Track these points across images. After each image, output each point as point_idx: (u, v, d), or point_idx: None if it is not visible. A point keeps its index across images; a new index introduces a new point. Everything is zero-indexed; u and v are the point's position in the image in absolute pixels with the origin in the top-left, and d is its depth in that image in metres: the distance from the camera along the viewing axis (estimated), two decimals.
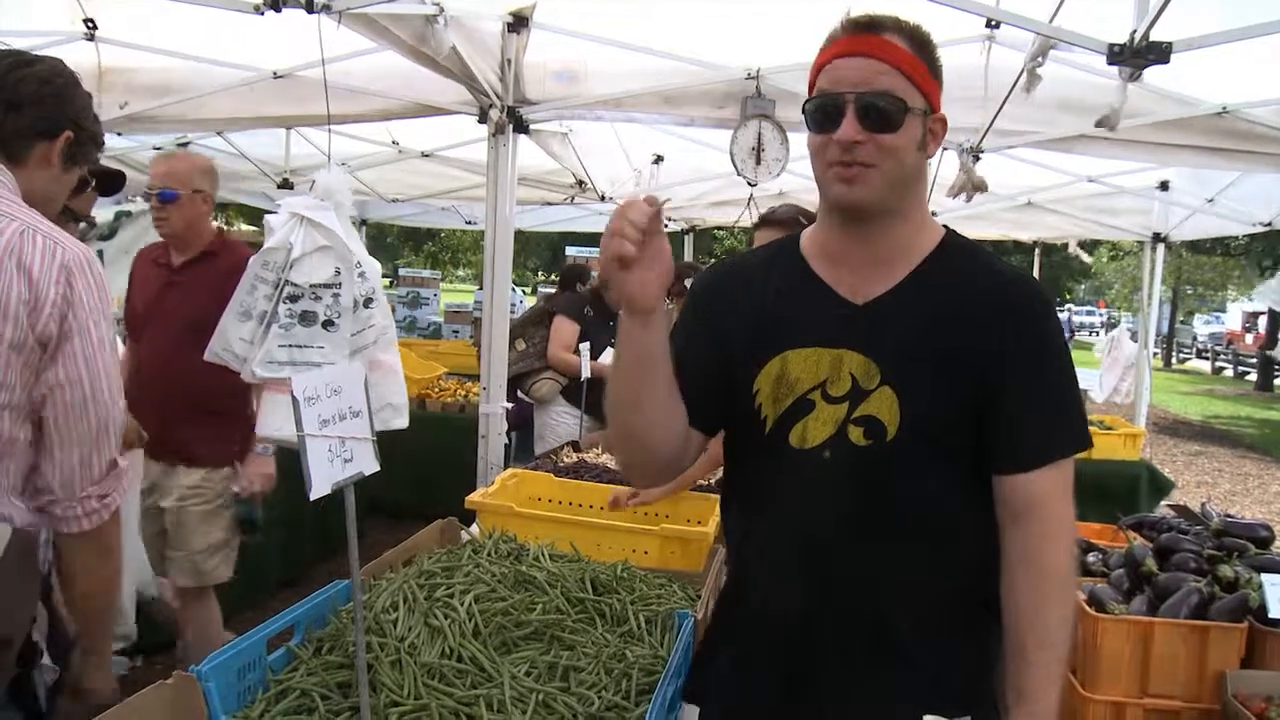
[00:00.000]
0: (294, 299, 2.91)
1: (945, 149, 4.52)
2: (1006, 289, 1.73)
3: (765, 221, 3.28)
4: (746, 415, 1.75)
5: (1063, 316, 34.12)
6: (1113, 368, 7.83)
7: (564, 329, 5.71)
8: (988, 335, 1.68)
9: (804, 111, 1.70)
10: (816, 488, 1.70)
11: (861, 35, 1.64)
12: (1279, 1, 2.97)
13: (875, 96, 1.61)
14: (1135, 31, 2.82)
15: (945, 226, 1.81)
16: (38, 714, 2.16)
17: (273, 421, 3.00)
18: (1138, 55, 2.84)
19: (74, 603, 2.20)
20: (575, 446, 4.88)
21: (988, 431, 1.68)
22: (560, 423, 5.71)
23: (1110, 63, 2.91)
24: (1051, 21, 3.15)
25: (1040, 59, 3.38)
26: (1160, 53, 2.83)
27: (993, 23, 3.53)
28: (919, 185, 1.77)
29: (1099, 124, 3.52)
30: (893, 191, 1.67)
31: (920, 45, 1.67)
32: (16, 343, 1.91)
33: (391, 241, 29.16)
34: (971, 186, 4.41)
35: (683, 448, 1.80)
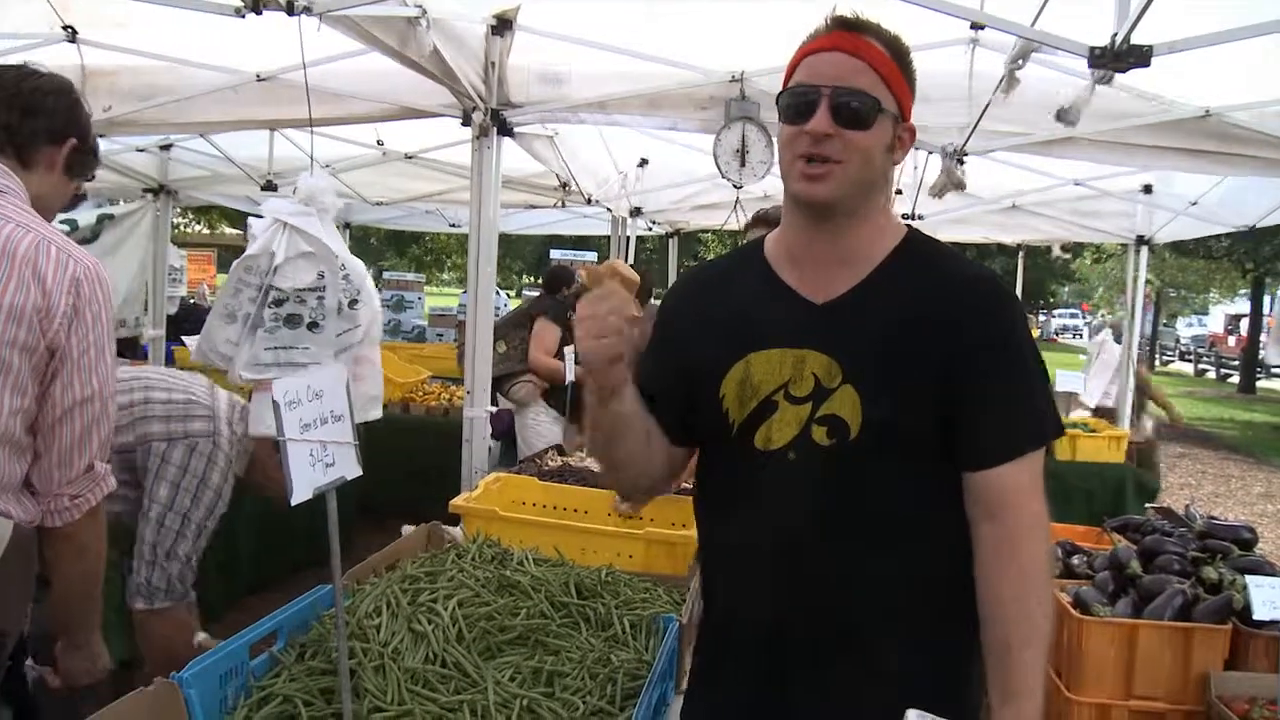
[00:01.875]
0: (279, 303, 2.91)
1: (930, 152, 4.53)
2: (968, 285, 1.73)
3: (759, 220, 3.27)
4: (715, 420, 1.76)
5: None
6: (1102, 371, 7.81)
7: (546, 333, 5.68)
8: (949, 331, 1.68)
9: (778, 102, 1.71)
10: (783, 488, 1.70)
11: (844, 33, 1.67)
12: (1261, 5, 2.98)
13: (850, 94, 1.63)
14: (1116, 35, 2.82)
15: (908, 226, 1.82)
16: (28, 706, 2.20)
17: (261, 418, 3.04)
18: (1119, 58, 2.84)
19: (54, 594, 2.23)
20: (560, 450, 4.87)
21: (954, 428, 1.68)
22: (540, 425, 5.69)
23: (1091, 65, 2.91)
24: (1033, 24, 3.15)
25: (1020, 61, 3.39)
26: (1141, 55, 2.83)
27: (977, 25, 3.53)
28: (883, 188, 1.79)
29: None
30: (856, 191, 1.68)
31: (897, 54, 1.70)
32: (30, 347, 1.99)
33: (375, 244, 29.06)
34: (951, 185, 4.42)
35: (670, 468, 1.87)
